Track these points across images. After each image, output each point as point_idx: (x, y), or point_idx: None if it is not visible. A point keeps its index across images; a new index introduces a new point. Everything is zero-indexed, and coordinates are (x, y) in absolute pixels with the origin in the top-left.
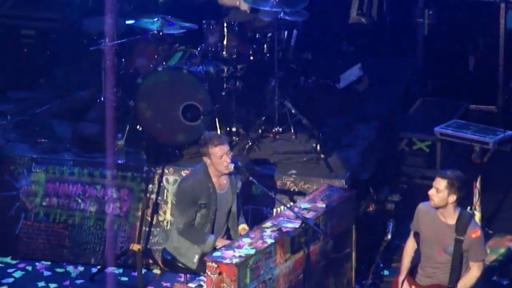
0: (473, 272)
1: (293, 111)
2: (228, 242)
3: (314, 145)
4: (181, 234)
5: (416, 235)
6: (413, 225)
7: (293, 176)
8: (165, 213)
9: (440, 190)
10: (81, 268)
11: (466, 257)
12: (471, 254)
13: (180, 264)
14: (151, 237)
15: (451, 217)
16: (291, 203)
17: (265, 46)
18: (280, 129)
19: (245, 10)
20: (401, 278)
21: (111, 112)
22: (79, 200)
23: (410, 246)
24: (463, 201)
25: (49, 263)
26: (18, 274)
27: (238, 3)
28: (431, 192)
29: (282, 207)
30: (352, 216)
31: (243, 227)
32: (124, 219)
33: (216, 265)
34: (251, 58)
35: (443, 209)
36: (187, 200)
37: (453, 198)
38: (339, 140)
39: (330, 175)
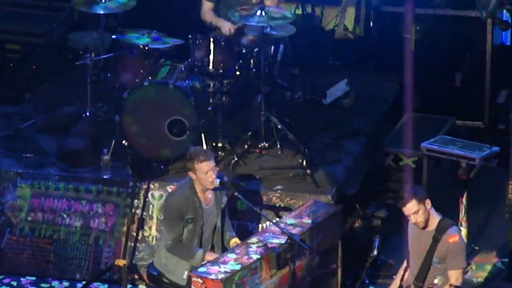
0: (451, 283)
1: (279, 127)
2: (217, 255)
3: (300, 160)
4: (169, 251)
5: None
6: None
7: (279, 191)
8: (150, 228)
9: (417, 211)
10: (66, 284)
11: (444, 268)
12: (449, 262)
13: (166, 280)
14: (136, 253)
15: (431, 224)
16: (277, 219)
17: (251, 61)
18: (266, 144)
19: (225, 33)
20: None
21: (96, 127)
22: (64, 215)
23: (405, 262)
24: (449, 218)
25: (34, 278)
26: None
27: (220, 24)
28: (413, 219)
29: (267, 222)
30: (338, 232)
31: (234, 240)
32: (110, 234)
33: (201, 281)
34: (237, 73)
35: None
36: (174, 215)
37: (428, 204)
38: (326, 155)
39: (316, 191)
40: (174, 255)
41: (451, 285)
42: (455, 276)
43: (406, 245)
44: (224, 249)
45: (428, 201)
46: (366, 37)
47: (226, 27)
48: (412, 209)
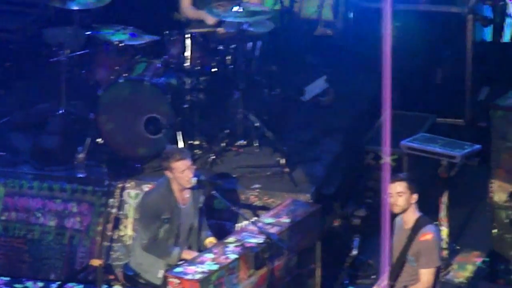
0: (421, 282)
1: (257, 124)
2: (195, 253)
3: (278, 158)
4: (145, 250)
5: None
6: None
7: (257, 190)
8: (126, 227)
9: (402, 193)
10: (40, 284)
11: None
12: (420, 261)
13: (142, 281)
14: (111, 253)
15: (410, 221)
16: (255, 218)
17: (228, 57)
18: (244, 142)
19: (211, 24)
20: None
21: (71, 125)
22: (39, 215)
23: None
24: (430, 216)
25: (8, 278)
26: None
27: (203, 17)
28: (393, 199)
29: (245, 222)
30: (317, 232)
31: (210, 240)
32: (85, 234)
33: (178, 281)
34: (214, 70)
35: (405, 213)
36: (151, 215)
37: (414, 199)
38: (304, 154)
39: (294, 190)
40: (151, 254)
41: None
42: (425, 275)
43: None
44: (200, 249)
45: (415, 196)
46: (345, 34)
47: (211, 19)
48: (398, 189)
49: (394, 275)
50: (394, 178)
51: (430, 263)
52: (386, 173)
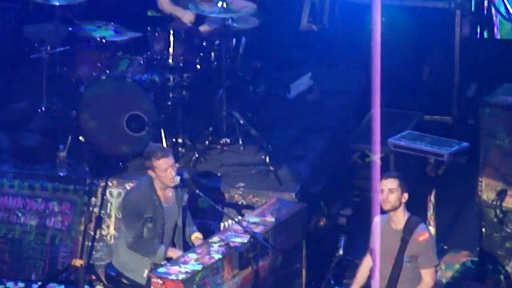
0: (425, 282)
1: (241, 122)
2: (180, 252)
3: (263, 157)
4: (130, 248)
5: (372, 251)
6: (370, 240)
7: (241, 189)
8: (108, 227)
9: (394, 190)
10: (21, 285)
11: (416, 266)
12: (421, 261)
13: (125, 280)
14: (94, 252)
15: (400, 222)
16: (239, 217)
17: (212, 54)
18: (228, 140)
19: (187, 22)
20: None
21: (52, 122)
22: (19, 214)
23: (365, 262)
24: (417, 216)
25: None
26: None
27: (180, 15)
28: (385, 195)
29: (230, 221)
30: (303, 231)
31: (196, 236)
32: (66, 233)
33: (161, 282)
34: (198, 66)
35: (394, 212)
36: (133, 213)
37: (405, 198)
38: (289, 152)
39: (279, 188)
40: (136, 252)
41: None
42: (428, 275)
43: (372, 248)
44: (185, 247)
45: (406, 195)
46: (331, 30)
47: (187, 17)
48: (390, 185)
49: (394, 280)
50: (387, 175)
51: (431, 262)
52: (375, 172)
